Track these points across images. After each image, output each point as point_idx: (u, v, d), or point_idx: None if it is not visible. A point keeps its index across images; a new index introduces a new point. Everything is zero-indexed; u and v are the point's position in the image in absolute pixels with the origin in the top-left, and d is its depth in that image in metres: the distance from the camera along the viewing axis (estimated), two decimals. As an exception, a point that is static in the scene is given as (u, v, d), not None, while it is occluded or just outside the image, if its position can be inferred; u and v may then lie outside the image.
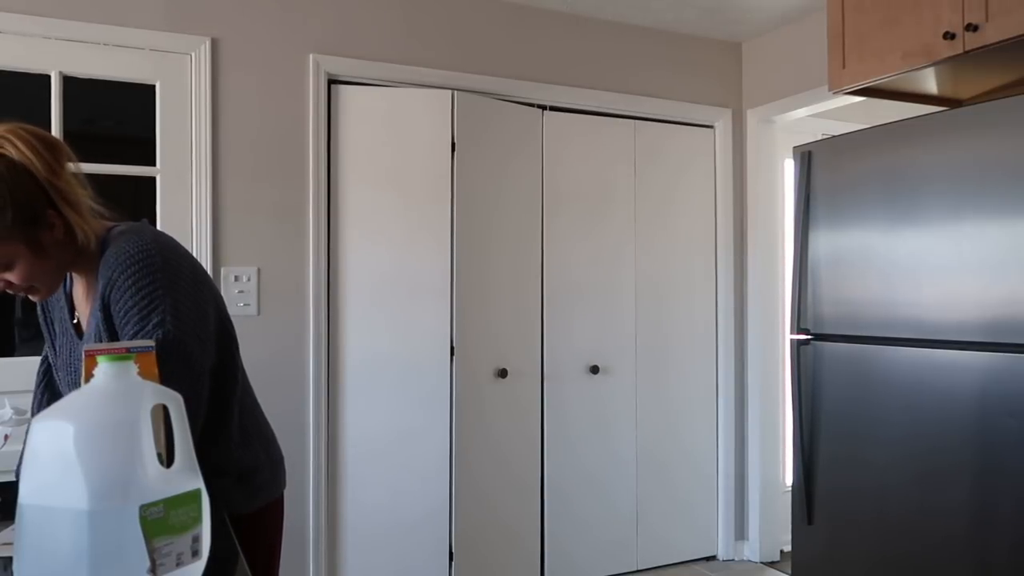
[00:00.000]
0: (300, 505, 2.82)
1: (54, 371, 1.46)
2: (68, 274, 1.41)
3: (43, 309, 1.48)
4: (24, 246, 1.20)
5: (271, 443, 1.52)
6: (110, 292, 1.24)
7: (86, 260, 1.32)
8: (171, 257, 1.27)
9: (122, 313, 1.22)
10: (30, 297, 1.31)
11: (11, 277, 1.24)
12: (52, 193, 1.21)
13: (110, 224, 1.35)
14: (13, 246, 1.20)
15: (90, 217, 1.28)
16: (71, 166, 1.26)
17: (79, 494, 0.77)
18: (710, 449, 3.70)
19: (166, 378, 1.10)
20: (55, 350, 1.45)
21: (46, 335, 1.48)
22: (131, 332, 1.21)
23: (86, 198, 1.27)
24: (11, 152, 1.19)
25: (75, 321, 1.39)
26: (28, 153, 1.19)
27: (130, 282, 1.22)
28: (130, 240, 1.26)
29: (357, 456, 2.92)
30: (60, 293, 1.43)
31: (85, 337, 1.32)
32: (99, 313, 1.26)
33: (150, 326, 1.20)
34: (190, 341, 1.22)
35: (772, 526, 3.68)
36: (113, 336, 1.25)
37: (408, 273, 2.97)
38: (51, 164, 1.21)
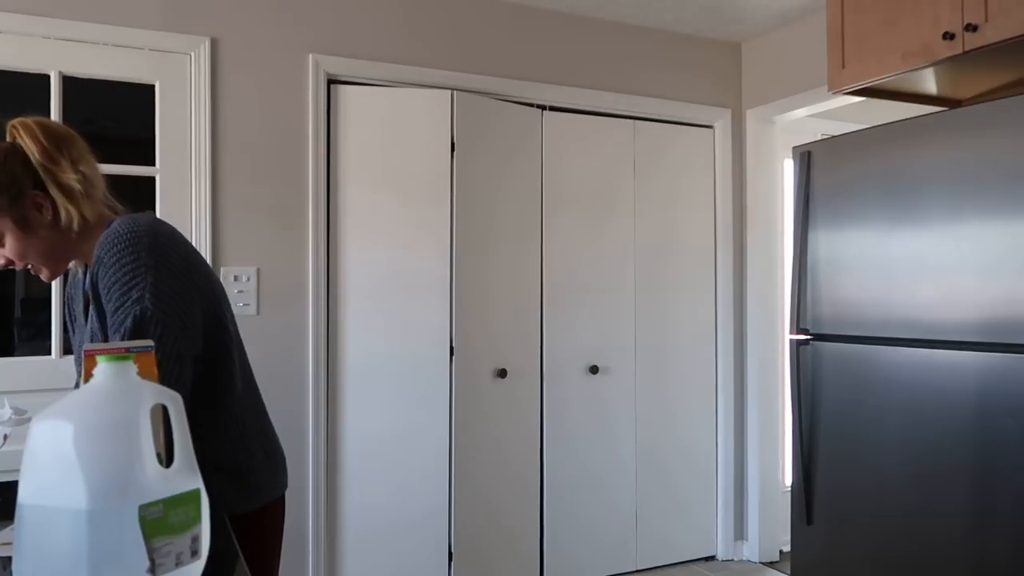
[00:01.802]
0: (299, 505, 2.82)
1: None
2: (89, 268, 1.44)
3: (69, 307, 1.54)
4: (12, 222, 1.31)
5: (273, 444, 1.52)
6: (97, 270, 1.27)
7: (90, 248, 1.36)
8: (161, 240, 1.30)
9: (105, 290, 1.25)
10: (41, 277, 1.40)
11: (5, 252, 1.34)
12: (44, 176, 1.31)
13: (116, 216, 1.40)
14: (2, 219, 1.31)
15: (83, 202, 1.34)
16: (76, 156, 1.35)
17: (78, 494, 0.77)
18: (709, 449, 3.71)
19: None
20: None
21: (70, 329, 1.55)
22: (112, 308, 1.23)
23: (75, 183, 1.33)
24: (16, 137, 1.32)
25: None
26: (27, 139, 1.31)
27: (114, 259, 1.25)
28: (123, 223, 1.30)
29: (356, 456, 2.92)
30: (78, 288, 1.47)
31: (87, 323, 1.35)
32: (89, 291, 1.29)
33: (129, 303, 1.22)
34: (170, 322, 1.23)
35: (771, 526, 3.68)
36: (102, 315, 1.27)
37: (408, 273, 2.97)
38: (49, 151, 1.31)
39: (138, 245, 1.26)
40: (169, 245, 1.30)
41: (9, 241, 1.32)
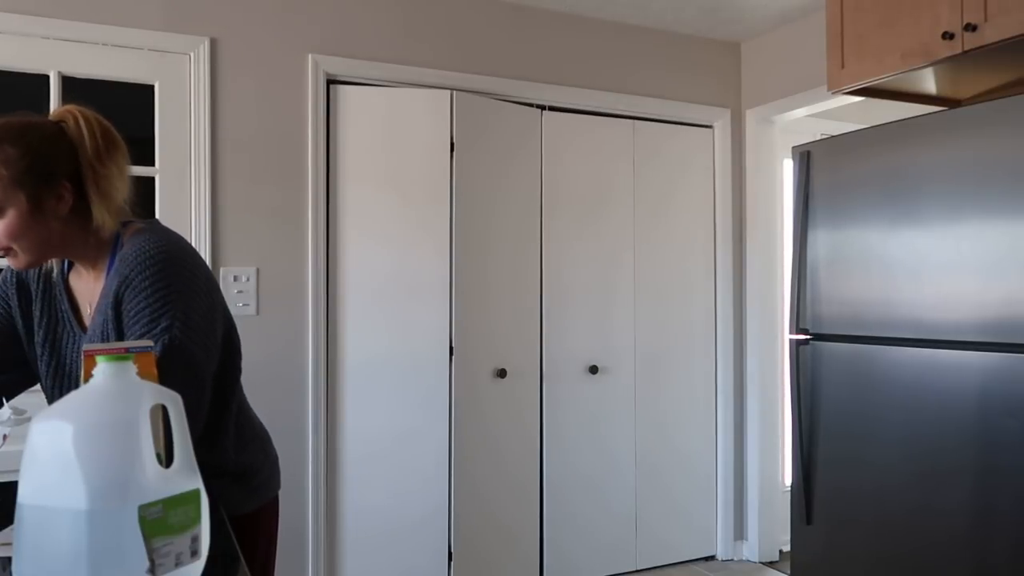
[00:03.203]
0: (299, 506, 2.82)
1: (34, 359, 1.40)
2: (64, 261, 1.39)
3: (28, 295, 1.40)
4: (25, 198, 1.22)
5: (267, 443, 1.54)
6: (124, 290, 1.24)
7: (94, 250, 1.32)
8: (189, 263, 1.28)
9: (132, 312, 1.22)
10: (8, 261, 1.28)
11: None
12: (88, 172, 1.26)
13: (125, 219, 1.35)
14: (16, 193, 1.22)
15: (115, 212, 1.30)
16: (121, 163, 1.31)
17: (78, 494, 0.77)
18: (709, 449, 3.70)
19: (168, 384, 1.09)
20: (34, 339, 1.39)
21: (19, 322, 1.40)
22: (138, 333, 1.21)
23: (122, 192, 1.30)
24: (69, 123, 1.26)
25: (87, 312, 1.36)
26: (84, 130, 1.26)
27: (147, 283, 1.22)
28: (151, 240, 1.26)
29: (356, 456, 2.92)
30: (61, 289, 1.38)
31: (89, 331, 1.31)
32: (110, 311, 1.25)
33: (158, 330, 1.20)
34: (196, 349, 1.22)
35: (771, 526, 3.68)
36: (120, 334, 1.25)
37: (407, 273, 2.97)
38: (99, 150, 1.27)
39: (170, 269, 1.23)
40: (193, 266, 1.28)
41: (11, 218, 1.22)
